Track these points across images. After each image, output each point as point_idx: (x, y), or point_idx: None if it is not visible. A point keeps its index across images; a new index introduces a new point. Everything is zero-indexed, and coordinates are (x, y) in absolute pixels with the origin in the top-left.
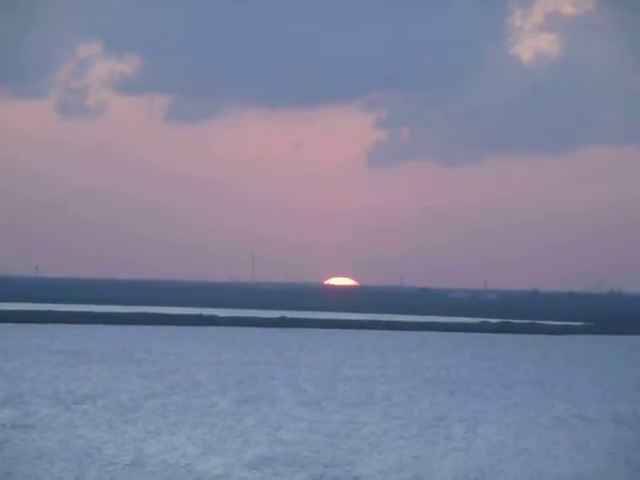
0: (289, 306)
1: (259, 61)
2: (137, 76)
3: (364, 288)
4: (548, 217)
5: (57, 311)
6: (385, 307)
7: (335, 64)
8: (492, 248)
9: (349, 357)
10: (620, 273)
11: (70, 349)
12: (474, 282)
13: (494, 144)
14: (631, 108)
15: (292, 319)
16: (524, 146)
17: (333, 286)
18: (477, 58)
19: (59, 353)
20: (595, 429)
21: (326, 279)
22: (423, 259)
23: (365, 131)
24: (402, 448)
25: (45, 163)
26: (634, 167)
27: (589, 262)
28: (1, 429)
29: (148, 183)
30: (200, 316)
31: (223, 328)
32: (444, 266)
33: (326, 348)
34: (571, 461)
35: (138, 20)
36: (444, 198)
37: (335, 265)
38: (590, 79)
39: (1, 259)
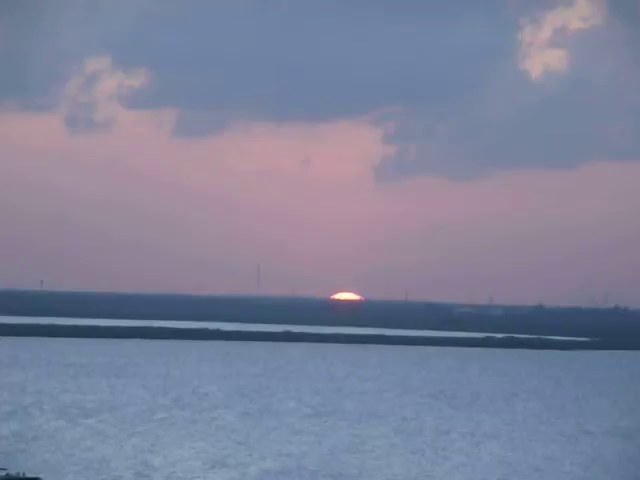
0: (294, 320)
1: (267, 76)
2: (145, 90)
3: (369, 303)
4: (553, 232)
5: (63, 325)
6: (390, 322)
7: (343, 79)
8: (497, 263)
9: (354, 371)
10: (626, 288)
11: (76, 362)
12: (479, 297)
13: (501, 159)
14: (639, 123)
15: (297, 333)
16: (531, 161)
17: (338, 301)
18: (485, 73)
19: (64, 366)
20: (600, 443)
21: (331, 294)
22: (428, 274)
23: (373, 146)
24: (407, 462)
25: (52, 177)
26: None
27: (595, 277)
28: (6, 441)
29: (154, 197)
30: (205, 330)
31: (228, 342)
32: (449, 281)
33: (331, 362)
34: (577, 476)
35: (146, 35)
36: (450, 213)
37: (340, 280)
38: (598, 94)
39: (7, 273)
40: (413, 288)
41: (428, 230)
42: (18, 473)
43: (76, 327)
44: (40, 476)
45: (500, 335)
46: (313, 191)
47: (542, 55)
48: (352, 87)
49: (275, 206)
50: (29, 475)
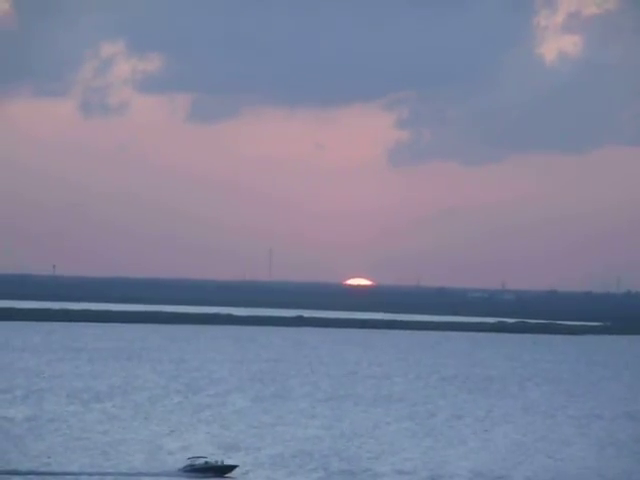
0: (306, 305)
1: (280, 61)
2: (159, 75)
3: (381, 288)
4: (566, 217)
5: (75, 310)
6: (402, 307)
7: (356, 64)
8: (510, 248)
9: (366, 356)
10: (638, 273)
11: (89, 347)
12: (492, 282)
13: (515, 143)
14: None
15: (309, 318)
16: (545, 145)
17: (351, 286)
18: (499, 58)
19: (77, 351)
20: (612, 427)
21: (344, 279)
22: (441, 259)
23: (386, 131)
24: (420, 447)
25: (65, 162)
26: None
27: (606, 262)
28: (19, 425)
29: (167, 183)
30: (217, 315)
31: (240, 327)
32: (462, 266)
33: (343, 347)
34: (589, 459)
35: (161, 20)
36: (463, 198)
37: (353, 265)
38: (612, 79)
39: (20, 258)
40: (425, 273)
41: (441, 215)
42: (217, 461)
43: (89, 312)
44: (238, 464)
45: (512, 320)
46: (326, 176)
47: (556, 40)
48: (365, 72)
49: (287, 191)
50: (227, 463)
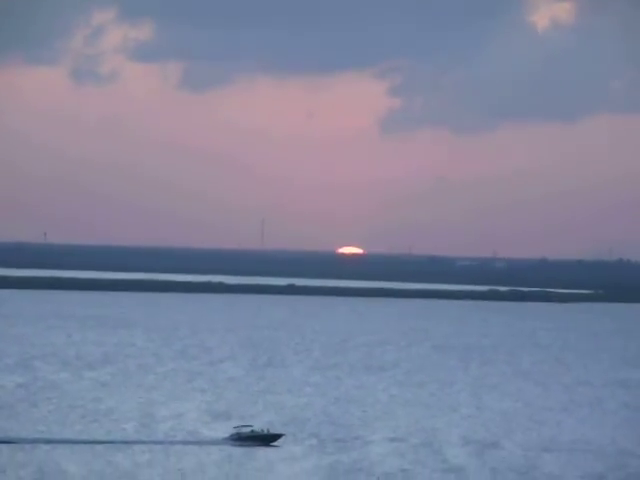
0: (298, 274)
1: (272, 28)
2: (151, 43)
3: (373, 256)
4: (558, 186)
5: (67, 277)
6: (394, 275)
7: (349, 32)
8: (501, 217)
9: (358, 324)
10: (629, 241)
11: (80, 315)
12: (483, 250)
13: (508, 111)
14: None
15: (301, 287)
16: (537, 113)
17: (343, 254)
18: (491, 26)
19: (69, 319)
20: (603, 395)
21: (336, 248)
22: (433, 227)
23: (378, 99)
24: (411, 414)
25: (56, 130)
26: None
27: (598, 230)
28: (10, 393)
29: (158, 152)
30: (209, 283)
31: (232, 295)
32: (453, 234)
33: (335, 315)
34: (580, 427)
35: None
36: (455, 166)
37: (344, 233)
38: (605, 47)
39: (11, 226)
40: (417, 242)
41: (433, 184)
42: (262, 430)
43: (80, 280)
44: (284, 433)
45: (504, 288)
46: (319, 145)
47: (549, 7)
48: (358, 39)
49: (279, 161)
50: (273, 432)
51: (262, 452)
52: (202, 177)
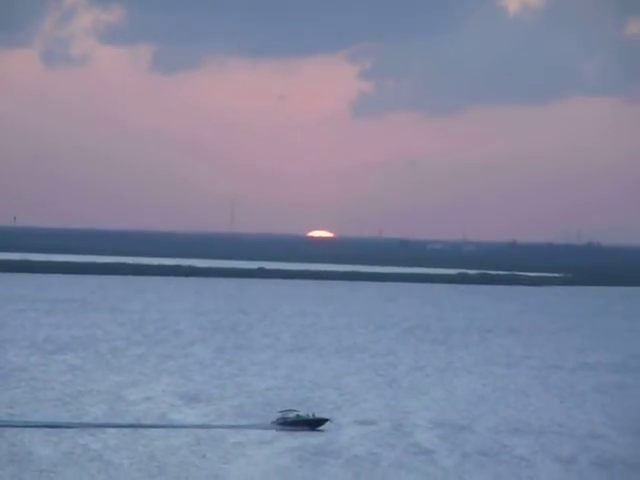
0: (268, 257)
1: (243, 11)
2: (122, 26)
3: (343, 240)
4: (527, 168)
5: (36, 261)
6: (364, 259)
7: (320, 15)
8: (471, 200)
9: (328, 307)
10: (598, 225)
11: (50, 298)
12: (453, 234)
13: (479, 94)
14: (617, 59)
15: (271, 270)
16: (508, 96)
17: (313, 238)
18: (462, 9)
19: (38, 302)
20: (573, 378)
21: (306, 231)
22: (403, 211)
23: (350, 82)
24: (382, 397)
25: (27, 112)
26: (618, 118)
27: (567, 214)
28: None
29: (129, 135)
30: (179, 266)
31: (202, 279)
32: (423, 218)
33: (305, 299)
34: (550, 410)
35: None
36: (426, 149)
37: (315, 217)
38: (576, 29)
39: None
40: (387, 225)
41: (403, 167)
42: (308, 414)
43: (50, 263)
44: (328, 417)
45: (473, 271)
46: (289, 128)
47: None
48: (329, 23)
49: (250, 143)
50: (318, 416)
51: (231, 435)
52: (172, 160)
